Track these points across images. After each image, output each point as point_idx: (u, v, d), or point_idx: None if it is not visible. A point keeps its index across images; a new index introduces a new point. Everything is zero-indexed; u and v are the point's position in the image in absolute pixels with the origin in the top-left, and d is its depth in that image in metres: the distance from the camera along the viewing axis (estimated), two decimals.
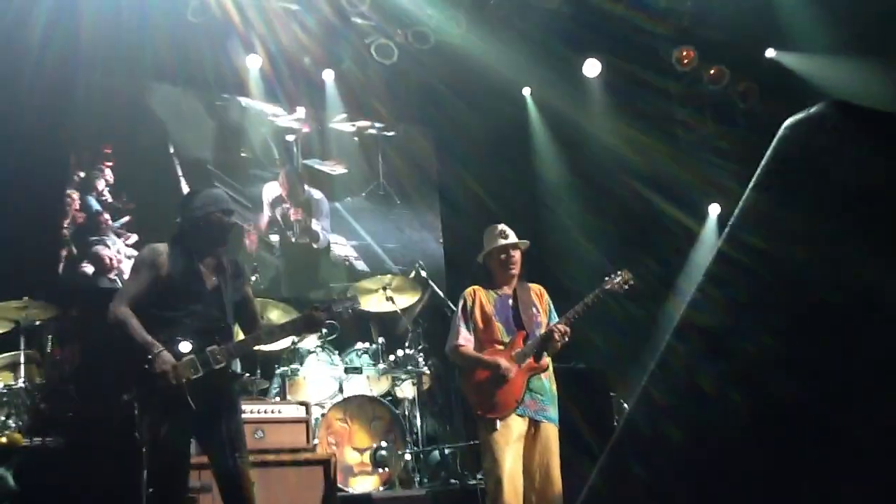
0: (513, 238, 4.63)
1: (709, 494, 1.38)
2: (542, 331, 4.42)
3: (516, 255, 4.62)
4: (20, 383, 5.34)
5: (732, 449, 1.34)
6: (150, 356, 3.47)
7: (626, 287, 4.58)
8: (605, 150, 9.36)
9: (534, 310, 4.54)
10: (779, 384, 1.26)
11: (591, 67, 9.31)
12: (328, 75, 9.06)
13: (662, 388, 1.39)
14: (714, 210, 9.85)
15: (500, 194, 9.03)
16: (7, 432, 4.96)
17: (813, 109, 1.17)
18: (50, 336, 5.78)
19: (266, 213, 8.76)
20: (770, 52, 9.16)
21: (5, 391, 5.23)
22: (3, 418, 5.10)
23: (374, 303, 6.80)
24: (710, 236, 9.62)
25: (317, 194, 9.14)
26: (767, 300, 1.27)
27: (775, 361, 1.26)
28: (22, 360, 5.56)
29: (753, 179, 1.26)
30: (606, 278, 4.59)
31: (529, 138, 9.93)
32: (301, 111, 9.19)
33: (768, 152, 1.24)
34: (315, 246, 8.95)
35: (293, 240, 8.84)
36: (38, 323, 5.79)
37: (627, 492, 1.49)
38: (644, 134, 9.33)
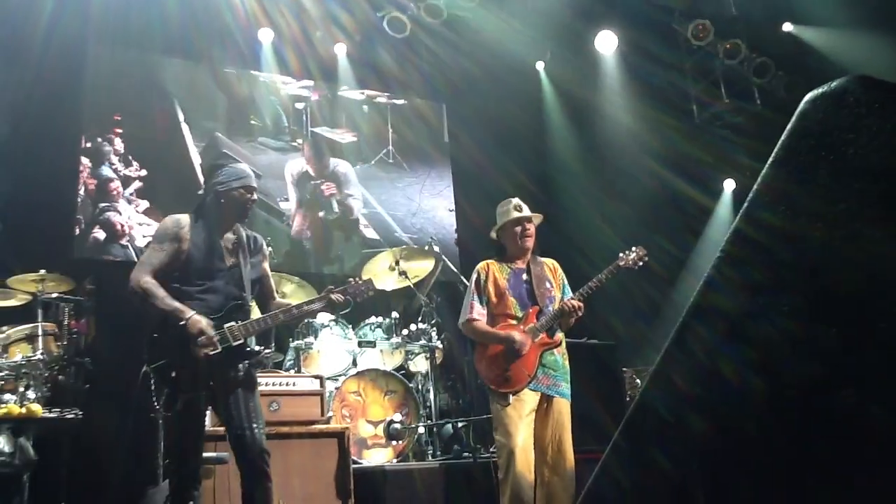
0: (527, 211, 4.61)
1: (721, 479, 1.38)
2: (556, 306, 4.42)
3: (531, 227, 4.60)
4: (38, 355, 5.38)
5: (748, 436, 1.33)
6: (182, 321, 3.50)
7: (640, 263, 4.58)
8: (619, 124, 9.30)
9: (547, 284, 4.52)
10: (793, 372, 1.25)
11: (605, 41, 9.21)
12: (340, 49, 9.01)
13: (679, 371, 1.38)
14: (729, 186, 9.79)
15: (513, 168, 9.00)
16: (26, 403, 5.01)
17: (834, 83, 1.14)
18: (66, 308, 5.82)
19: (292, 192, 8.75)
20: (787, 27, 9.03)
21: (24, 363, 5.27)
22: (21, 389, 5.14)
23: (386, 280, 6.77)
24: (724, 212, 9.57)
25: (341, 166, 9.14)
26: (785, 282, 1.25)
27: (792, 347, 1.25)
28: (40, 332, 5.60)
29: (772, 155, 1.24)
30: (620, 254, 4.58)
31: (542, 112, 9.86)
32: (311, 81, 9.17)
33: (788, 127, 1.21)
34: (351, 217, 8.99)
35: (321, 215, 8.83)
36: (54, 295, 5.83)
37: (640, 470, 1.49)
38: (658, 109, 9.26)
